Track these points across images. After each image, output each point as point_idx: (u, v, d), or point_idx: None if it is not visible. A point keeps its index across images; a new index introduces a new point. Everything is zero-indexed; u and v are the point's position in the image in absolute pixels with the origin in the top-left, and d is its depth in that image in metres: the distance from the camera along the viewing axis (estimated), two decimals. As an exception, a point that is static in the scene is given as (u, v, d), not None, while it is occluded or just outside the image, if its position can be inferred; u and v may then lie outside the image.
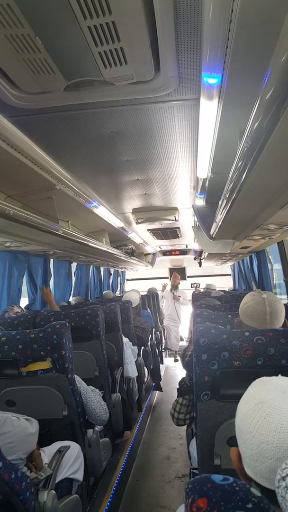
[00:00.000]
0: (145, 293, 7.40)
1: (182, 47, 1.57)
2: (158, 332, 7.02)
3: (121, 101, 2.01)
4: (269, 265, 5.31)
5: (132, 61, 1.57)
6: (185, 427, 2.25)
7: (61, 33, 1.41)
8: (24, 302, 4.02)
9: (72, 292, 5.55)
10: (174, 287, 8.16)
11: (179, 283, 8.26)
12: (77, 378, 2.11)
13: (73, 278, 5.70)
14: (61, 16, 1.32)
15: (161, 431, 4.08)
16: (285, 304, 1.72)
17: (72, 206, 3.51)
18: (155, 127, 2.36)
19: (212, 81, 1.60)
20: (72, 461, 1.80)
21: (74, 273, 5.80)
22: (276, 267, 5.84)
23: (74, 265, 5.69)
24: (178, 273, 8.73)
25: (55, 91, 1.80)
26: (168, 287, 8.33)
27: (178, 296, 8.03)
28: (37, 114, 2.05)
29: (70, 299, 5.35)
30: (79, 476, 1.84)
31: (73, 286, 5.63)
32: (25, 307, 3.90)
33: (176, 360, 7.80)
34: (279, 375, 0.85)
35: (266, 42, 1.10)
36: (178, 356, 7.80)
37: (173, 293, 8.07)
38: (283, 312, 1.62)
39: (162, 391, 5.37)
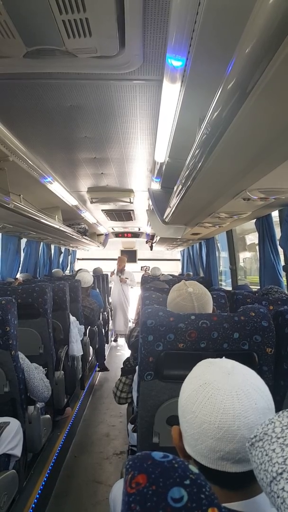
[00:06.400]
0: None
1: (149, 25, 1.53)
2: (105, 313, 7.04)
3: (83, 75, 1.95)
4: (216, 253, 5.48)
5: (96, 34, 1.52)
6: (126, 405, 2.29)
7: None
8: None
9: (20, 269, 5.41)
10: (120, 270, 8.13)
11: (124, 266, 8.25)
12: (21, 355, 2.08)
13: (22, 254, 5.54)
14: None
15: (102, 409, 4.13)
16: (229, 290, 1.77)
17: (25, 180, 3.38)
18: (116, 105, 2.31)
19: (176, 63, 1.59)
20: (11, 437, 1.78)
21: (23, 249, 5.64)
22: (223, 255, 6.05)
23: (23, 241, 5.53)
24: (129, 255, 8.72)
25: (14, 57, 1.70)
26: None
27: (125, 278, 8.04)
28: (-7, 79, 1.93)
29: (18, 276, 5.21)
30: (17, 452, 1.83)
31: (21, 262, 5.48)
32: None
33: (115, 340, 7.95)
34: (223, 357, 0.86)
35: (232, 30, 1.10)
36: (118, 337, 7.99)
37: (119, 276, 8.06)
38: (211, 302, 1.62)
39: (108, 370, 5.44)
